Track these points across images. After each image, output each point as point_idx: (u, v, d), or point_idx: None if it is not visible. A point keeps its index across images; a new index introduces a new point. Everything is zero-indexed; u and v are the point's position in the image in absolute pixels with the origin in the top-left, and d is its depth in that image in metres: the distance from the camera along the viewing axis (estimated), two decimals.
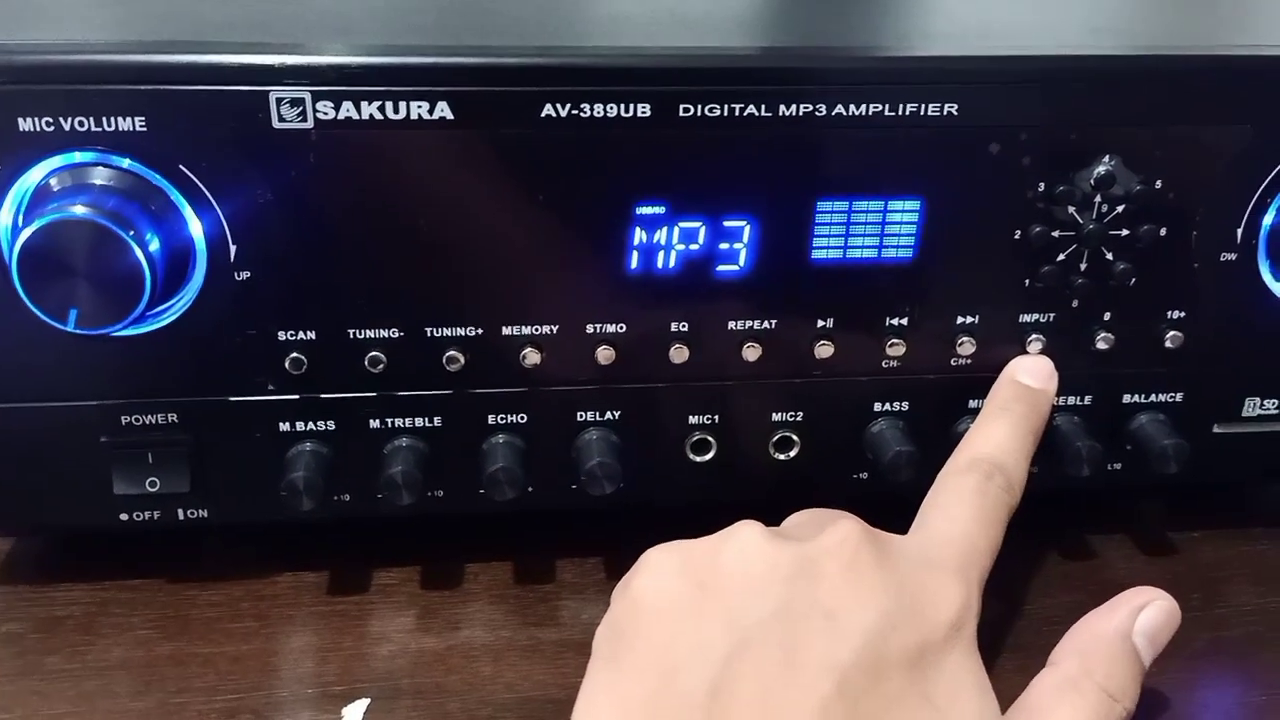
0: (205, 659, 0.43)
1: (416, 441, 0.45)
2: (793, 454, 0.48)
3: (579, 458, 0.45)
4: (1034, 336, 0.46)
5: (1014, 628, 0.46)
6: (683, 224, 0.43)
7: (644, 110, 0.41)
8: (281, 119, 0.39)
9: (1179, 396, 0.49)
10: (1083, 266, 0.45)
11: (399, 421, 0.45)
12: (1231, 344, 0.48)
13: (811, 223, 0.44)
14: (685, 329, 0.45)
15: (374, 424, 0.45)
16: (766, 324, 0.45)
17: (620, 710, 0.34)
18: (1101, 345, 0.47)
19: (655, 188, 0.42)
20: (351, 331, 0.43)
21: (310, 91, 0.39)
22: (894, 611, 0.35)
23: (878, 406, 0.47)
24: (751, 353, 0.45)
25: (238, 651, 0.44)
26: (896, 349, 0.46)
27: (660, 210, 0.43)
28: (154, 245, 0.38)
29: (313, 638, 0.45)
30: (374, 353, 0.43)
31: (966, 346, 0.46)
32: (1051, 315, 0.46)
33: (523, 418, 0.45)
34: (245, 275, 0.41)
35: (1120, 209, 0.44)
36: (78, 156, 0.39)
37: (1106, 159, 0.44)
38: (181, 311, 0.42)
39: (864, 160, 0.43)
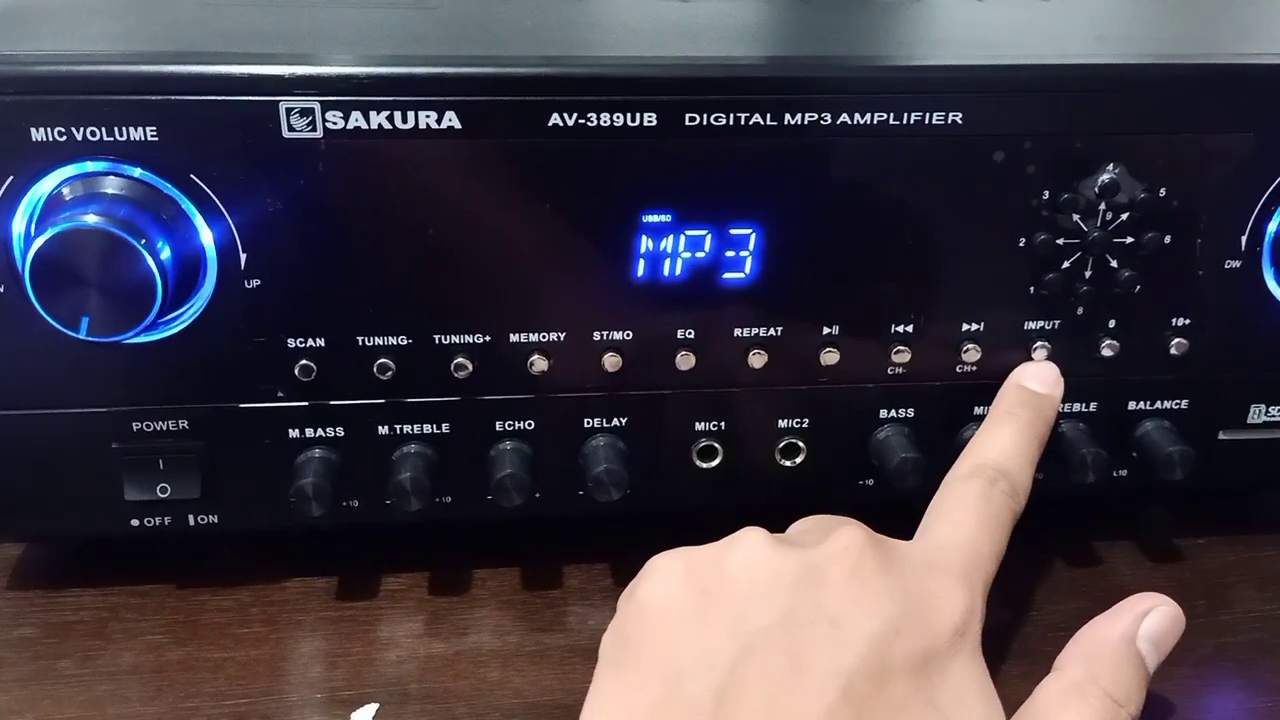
0: (215, 664, 0.43)
1: (425, 448, 0.45)
2: (799, 460, 0.48)
3: (586, 464, 0.46)
4: (1039, 343, 0.47)
5: (1019, 634, 0.46)
6: (689, 232, 0.43)
7: (650, 119, 0.41)
8: (291, 129, 0.40)
9: (1184, 403, 0.49)
10: (1087, 274, 0.46)
11: (407, 428, 0.45)
12: (1236, 351, 0.48)
13: (816, 230, 0.44)
14: (691, 336, 0.45)
15: (382, 430, 0.45)
16: (772, 331, 0.45)
17: (626, 716, 0.34)
18: (1106, 352, 0.47)
19: (661, 196, 0.43)
20: (360, 339, 0.43)
21: (320, 101, 0.39)
22: (899, 617, 0.35)
23: (883, 413, 0.47)
24: (758, 360, 0.45)
25: (247, 656, 0.44)
26: (902, 356, 0.46)
27: (666, 218, 0.43)
28: (165, 253, 0.39)
29: (322, 643, 0.45)
30: (383, 360, 0.44)
31: (972, 353, 0.46)
32: (1056, 322, 0.46)
33: (530, 424, 0.46)
34: (255, 283, 0.42)
35: (1124, 217, 0.45)
36: (89, 166, 0.39)
37: (1111, 167, 0.44)
38: (192, 319, 0.42)
39: (868, 169, 0.43)
